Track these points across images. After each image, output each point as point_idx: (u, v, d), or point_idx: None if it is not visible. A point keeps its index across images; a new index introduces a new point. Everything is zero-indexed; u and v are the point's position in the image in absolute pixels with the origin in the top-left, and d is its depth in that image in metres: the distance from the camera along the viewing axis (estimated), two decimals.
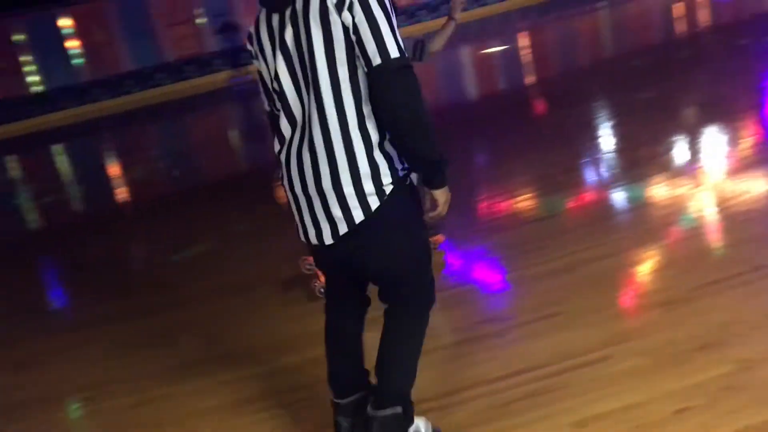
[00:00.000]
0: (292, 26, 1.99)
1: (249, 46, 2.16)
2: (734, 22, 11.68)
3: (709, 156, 5.18)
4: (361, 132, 1.99)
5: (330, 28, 1.92)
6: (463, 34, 18.78)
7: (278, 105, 2.11)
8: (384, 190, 2.02)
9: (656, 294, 3.19)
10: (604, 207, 4.61)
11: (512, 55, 13.67)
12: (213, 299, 4.25)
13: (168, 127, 15.01)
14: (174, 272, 5.00)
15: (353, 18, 1.90)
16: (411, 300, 2.22)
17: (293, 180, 2.10)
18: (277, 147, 2.15)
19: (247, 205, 6.32)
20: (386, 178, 2.02)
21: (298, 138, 2.07)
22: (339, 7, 1.91)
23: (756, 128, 5.52)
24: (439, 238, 4.13)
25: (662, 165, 5.00)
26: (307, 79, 2.00)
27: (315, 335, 2.80)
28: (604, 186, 5.00)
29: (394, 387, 2.20)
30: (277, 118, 2.12)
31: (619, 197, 4.69)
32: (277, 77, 2.06)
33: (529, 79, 11.08)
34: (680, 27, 12.92)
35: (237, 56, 17.46)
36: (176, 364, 3.46)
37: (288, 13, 2.00)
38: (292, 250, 4.77)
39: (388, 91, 1.91)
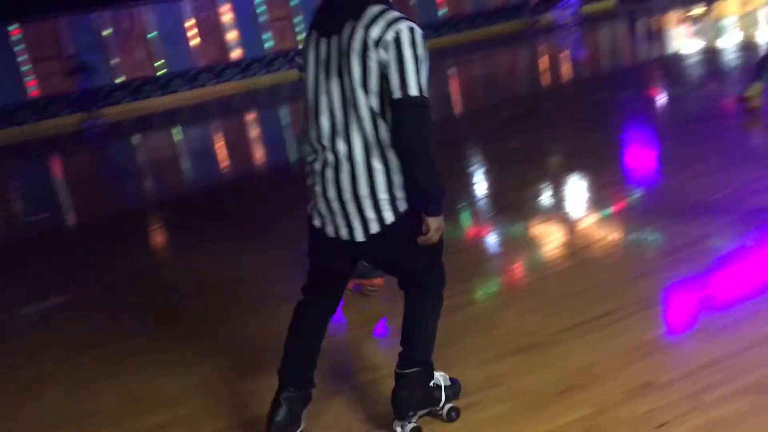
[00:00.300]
0: (338, 53, 2.31)
1: (299, 59, 2.55)
2: (593, 77, 12.58)
3: (572, 203, 5.48)
4: (394, 148, 2.30)
5: (367, 62, 2.24)
6: None
7: (311, 117, 2.41)
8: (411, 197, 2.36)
9: (522, 338, 3.28)
10: (475, 252, 4.73)
11: None
12: (66, 356, 3.96)
13: (27, 168, 14.11)
14: (24, 327, 4.62)
15: (387, 56, 2.22)
16: (428, 284, 2.58)
17: (327, 186, 2.39)
18: (311, 156, 2.44)
19: (108, 252, 6.01)
20: None
21: (332, 150, 2.36)
22: (376, 45, 2.22)
23: (614, 177, 5.89)
24: (379, 281, 4.04)
25: (529, 211, 5.22)
26: (345, 100, 2.31)
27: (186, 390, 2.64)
28: (476, 231, 5.16)
29: (416, 352, 2.60)
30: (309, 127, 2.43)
31: (490, 242, 4.85)
32: (316, 93, 2.39)
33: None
34: (545, 80, 13.74)
35: (90, 99, 16.60)
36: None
37: (335, 40, 2.31)
38: (152, 304, 4.58)
39: (402, 123, 2.25)
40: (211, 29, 20.49)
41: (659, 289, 3.58)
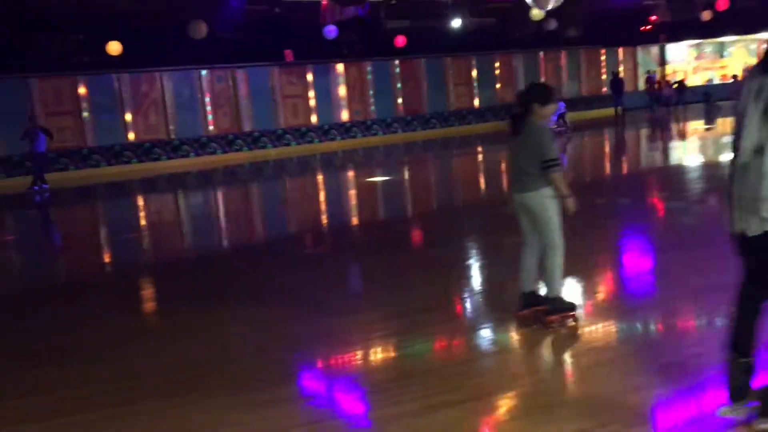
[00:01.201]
0: (760, 91, 2.98)
1: (740, 86, 3.20)
2: (588, 181, 12.66)
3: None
4: None
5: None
6: (350, 158, 19.29)
7: (738, 132, 3.06)
8: None
9: None
10: (468, 348, 4.64)
11: (396, 185, 14.16)
12: None
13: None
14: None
15: None
16: None
17: (735, 184, 3.07)
18: (733, 162, 3.11)
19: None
20: None
21: (747, 158, 3.01)
22: None
23: (610, 285, 5.88)
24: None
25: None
26: (765, 124, 2.95)
27: None
28: (470, 327, 5.08)
29: None
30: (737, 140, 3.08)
31: (483, 339, 4.76)
32: (743, 116, 3.05)
33: (406, 212, 11.38)
34: None
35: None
36: None
37: (757, 81, 3.03)
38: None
39: None
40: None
41: (648, 405, 3.55)
